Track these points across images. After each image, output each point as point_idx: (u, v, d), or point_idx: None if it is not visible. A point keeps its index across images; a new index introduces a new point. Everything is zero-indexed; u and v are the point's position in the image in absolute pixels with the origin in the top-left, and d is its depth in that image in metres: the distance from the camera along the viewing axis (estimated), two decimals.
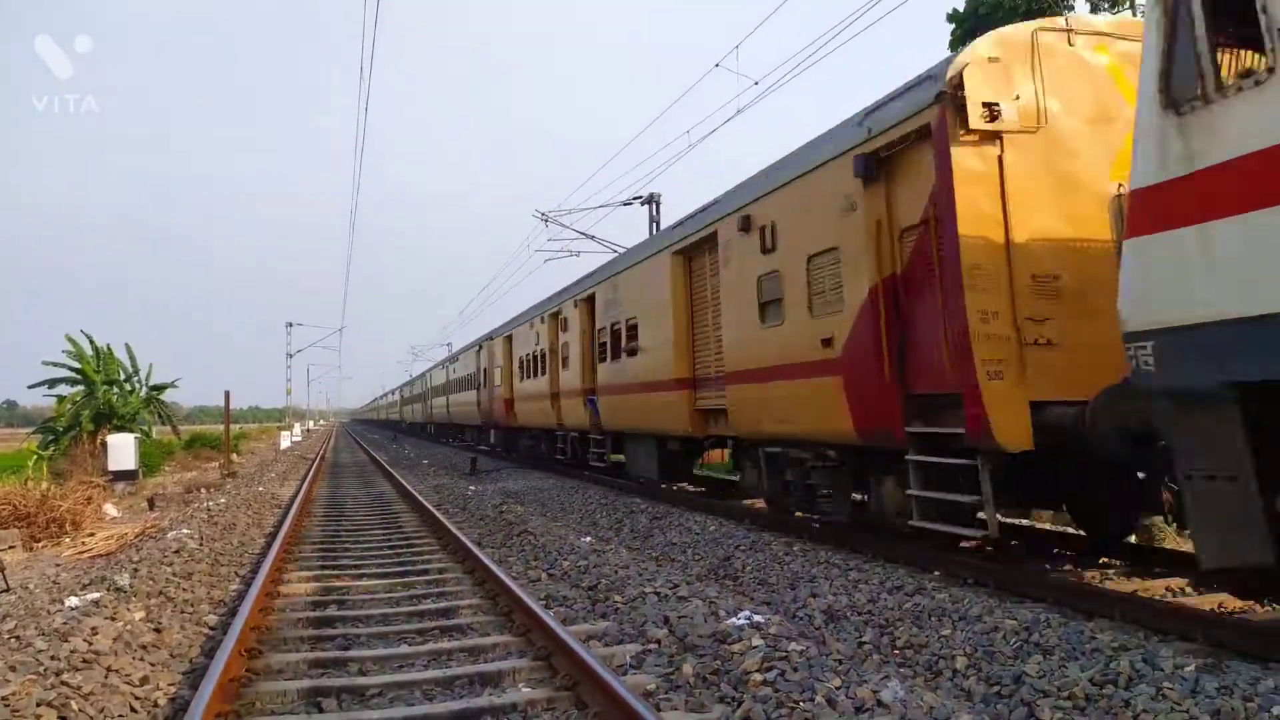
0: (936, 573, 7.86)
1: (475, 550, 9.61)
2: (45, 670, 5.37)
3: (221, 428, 38.92)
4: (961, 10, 22.60)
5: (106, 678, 5.48)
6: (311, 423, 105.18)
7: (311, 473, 23.74)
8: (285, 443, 48.19)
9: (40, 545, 14.74)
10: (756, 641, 5.55)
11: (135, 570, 8.67)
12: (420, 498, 15.87)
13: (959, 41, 22.68)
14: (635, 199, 26.30)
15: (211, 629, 7.11)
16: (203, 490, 22.58)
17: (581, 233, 26.47)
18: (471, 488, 18.92)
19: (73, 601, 7.13)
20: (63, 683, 5.20)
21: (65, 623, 6.42)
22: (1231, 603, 6.70)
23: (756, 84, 15.91)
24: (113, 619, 6.67)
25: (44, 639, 5.99)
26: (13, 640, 6.04)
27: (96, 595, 7.38)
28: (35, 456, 24.88)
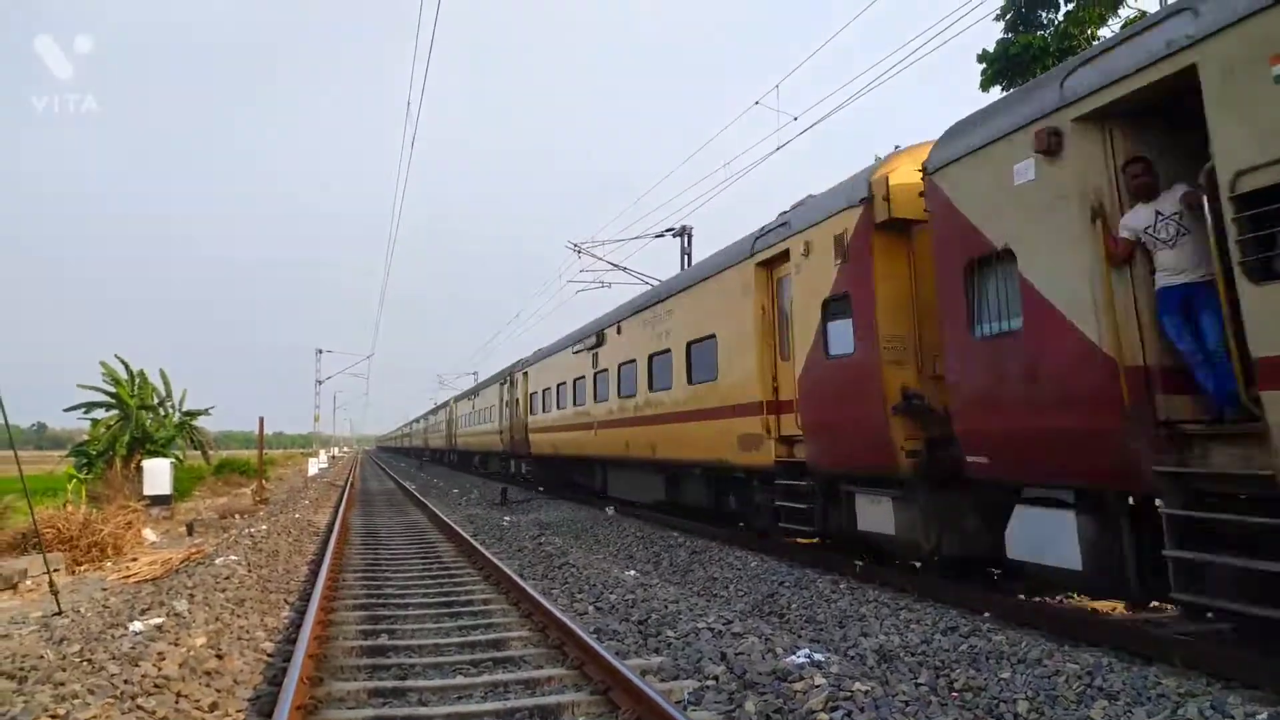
0: (987, 614, 7.84)
1: (520, 581, 9.68)
2: (121, 694, 5.49)
3: (248, 453, 39.21)
4: (992, 51, 22.86)
5: (178, 703, 5.59)
6: (336, 450, 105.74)
7: (344, 500, 23.91)
8: (313, 469, 48.48)
9: (82, 569, 14.91)
10: (819, 680, 5.57)
11: (192, 596, 8.81)
12: (456, 527, 15.97)
13: (990, 81, 22.89)
14: (668, 231, 26.53)
15: (270, 656, 7.21)
16: (237, 516, 22.79)
17: (614, 264, 26.70)
18: (506, 519, 18.99)
19: (136, 626, 7.26)
20: (138, 707, 5.32)
21: (133, 647, 6.55)
22: None
23: (796, 119, 16.10)
24: (176, 644, 6.79)
25: (115, 663, 6.12)
26: (85, 663, 6.17)
27: (159, 620, 7.51)
28: (74, 480, 25.20)
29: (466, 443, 47.34)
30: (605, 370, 19.43)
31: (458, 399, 54.14)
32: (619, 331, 18.57)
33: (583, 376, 21.38)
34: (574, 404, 22.23)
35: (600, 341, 19.84)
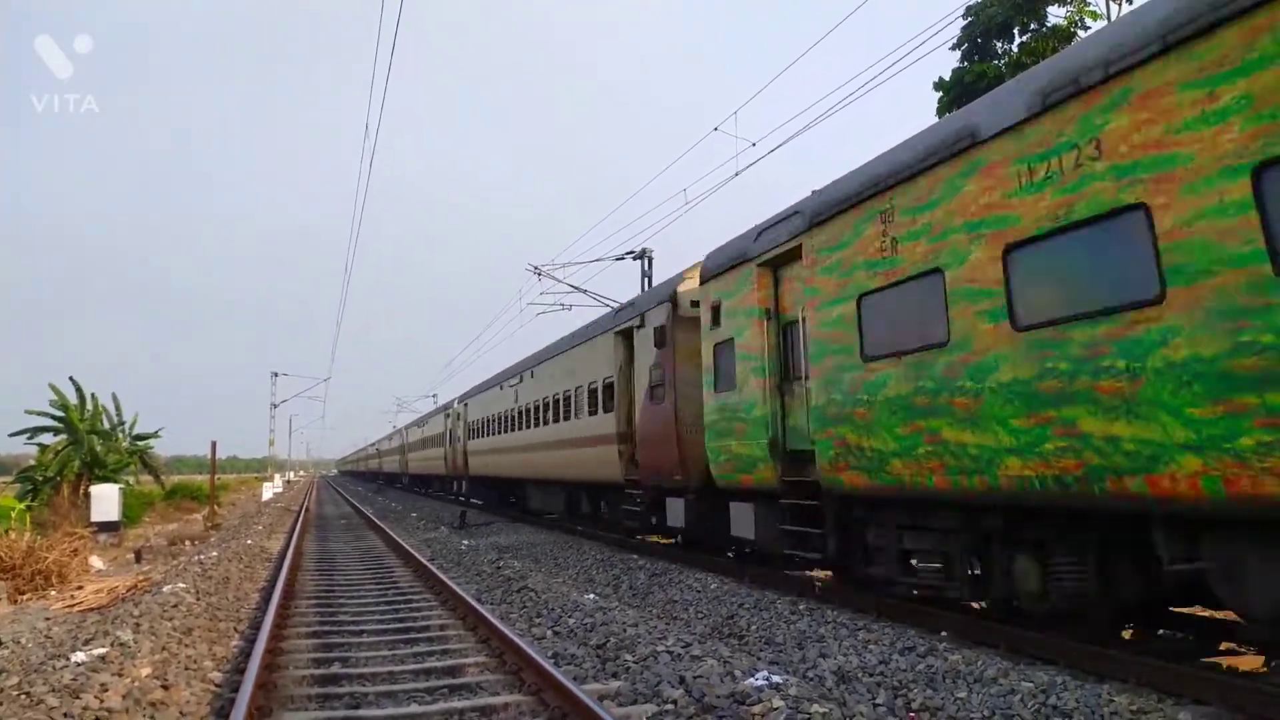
0: (944, 633, 7.88)
1: (477, 606, 9.55)
2: None
3: (201, 478, 38.43)
4: (948, 79, 23.36)
5: None
6: (292, 474, 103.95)
7: (298, 526, 23.48)
8: (268, 494, 47.61)
9: (25, 598, 14.46)
10: (777, 703, 5.55)
11: (137, 625, 8.56)
12: (413, 552, 15.74)
13: (946, 108, 23.37)
14: (628, 254, 26.58)
15: (217, 686, 7.01)
16: (187, 542, 22.29)
17: (574, 286, 26.62)
18: (465, 542, 18.77)
19: (79, 656, 7.02)
20: None
21: (74, 679, 6.34)
22: (1242, 664, 6.76)
23: (754, 145, 16.29)
24: (120, 675, 6.58)
25: (54, 695, 5.91)
26: (22, 696, 5.95)
27: (102, 650, 7.28)
28: (21, 507, 24.48)
29: (493, 466, 28.43)
30: None
31: (469, 395, 34.24)
32: None
33: None
34: None
35: None
